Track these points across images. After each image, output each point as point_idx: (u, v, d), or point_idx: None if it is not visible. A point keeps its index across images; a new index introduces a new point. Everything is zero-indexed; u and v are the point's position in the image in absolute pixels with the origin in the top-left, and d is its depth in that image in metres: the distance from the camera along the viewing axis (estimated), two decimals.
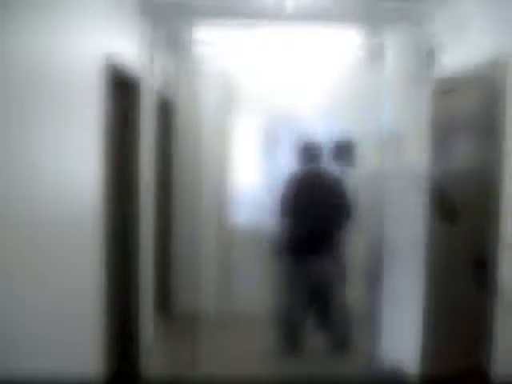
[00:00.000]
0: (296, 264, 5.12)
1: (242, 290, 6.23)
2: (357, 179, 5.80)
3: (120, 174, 3.95)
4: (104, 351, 3.26)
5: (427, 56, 4.35)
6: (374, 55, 5.39)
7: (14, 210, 2.02)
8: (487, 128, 3.29)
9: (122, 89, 3.89)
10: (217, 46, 5.62)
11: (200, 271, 6.25)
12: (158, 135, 5.02)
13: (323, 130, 7.02)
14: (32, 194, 2.18)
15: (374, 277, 5.04)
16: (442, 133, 4.07)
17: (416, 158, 4.50)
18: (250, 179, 7.35)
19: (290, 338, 5.16)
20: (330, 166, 5.43)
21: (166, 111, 5.72)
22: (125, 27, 3.87)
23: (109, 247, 3.33)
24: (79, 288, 2.83)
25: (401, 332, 4.64)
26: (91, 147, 3.03)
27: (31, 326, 2.16)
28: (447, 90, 3.90)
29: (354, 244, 5.48)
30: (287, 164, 7.14)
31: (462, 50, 3.74)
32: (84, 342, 2.96)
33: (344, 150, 5.43)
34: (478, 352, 3.23)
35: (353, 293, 5.37)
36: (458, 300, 3.71)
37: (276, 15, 4.34)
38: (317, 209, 5.06)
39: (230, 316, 6.02)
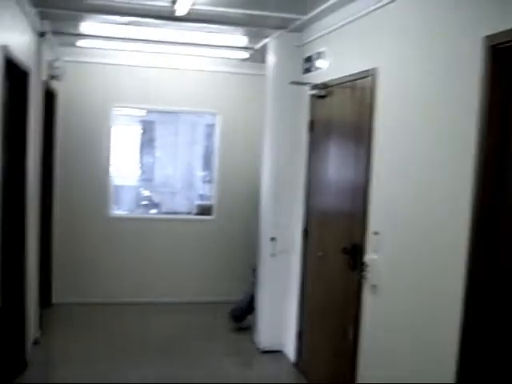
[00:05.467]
0: None
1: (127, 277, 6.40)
2: None
3: (10, 163, 3.95)
4: None
5: (305, 62, 4.73)
6: (257, 57, 5.72)
7: None
8: (359, 130, 3.70)
9: (14, 80, 3.90)
10: (103, 40, 5.65)
11: (84, 263, 6.29)
12: (43, 125, 5.03)
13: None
14: None
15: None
16: (320, 134, 4.47)
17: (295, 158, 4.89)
18: (128, 171, 7.47)
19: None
20: None
21: (51, 101, 5.69)
22: (16, 20, 3.87)
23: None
24: None
25: (279, 317, 5.03)
26: None
27: None
28: (323, 94, 4.30)
29: None
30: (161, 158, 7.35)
31: (338, 61, 4.16)
32: None
33: None
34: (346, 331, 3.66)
35: None
36: (333, 282, 4.13)
37: (166, 17, 4.51)
38: None
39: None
